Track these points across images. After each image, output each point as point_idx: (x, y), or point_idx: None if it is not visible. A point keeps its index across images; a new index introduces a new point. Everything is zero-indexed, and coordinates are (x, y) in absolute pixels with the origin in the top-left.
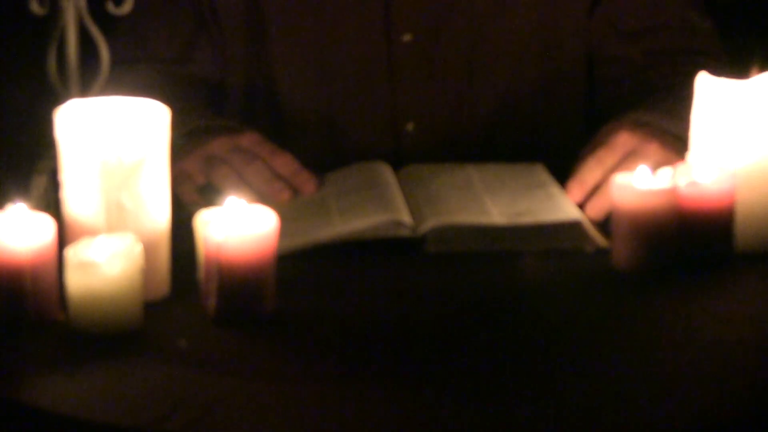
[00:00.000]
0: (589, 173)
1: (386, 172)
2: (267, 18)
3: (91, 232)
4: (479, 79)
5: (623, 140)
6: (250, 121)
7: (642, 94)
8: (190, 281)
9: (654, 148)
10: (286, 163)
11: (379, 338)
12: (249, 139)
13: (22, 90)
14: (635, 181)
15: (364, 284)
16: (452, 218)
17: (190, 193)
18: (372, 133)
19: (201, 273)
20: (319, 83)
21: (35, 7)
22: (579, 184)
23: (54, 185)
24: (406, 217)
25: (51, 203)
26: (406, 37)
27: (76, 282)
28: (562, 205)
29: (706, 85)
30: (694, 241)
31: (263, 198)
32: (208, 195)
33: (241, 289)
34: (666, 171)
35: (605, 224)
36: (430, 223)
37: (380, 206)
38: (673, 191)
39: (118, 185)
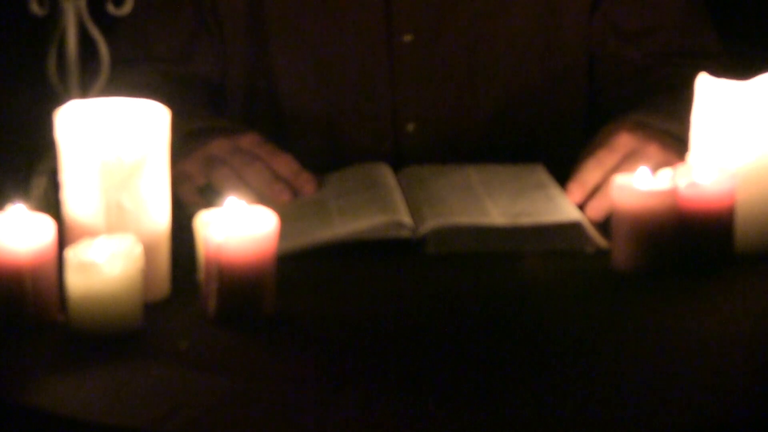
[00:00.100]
0: (589, 174)
1: (386, 173)
2: (268, 18)
3: (91, 232)
4: (480, 80)
5: (623, 141)
6: (251, 122)
7: (642, 95)
8: (190, 282)
9: (654, 149)
10: (286, 164)
11: (379, 339)
12: (249, 140)
13: (22, 91)
14: (635, 182)
15: (364, 285)
16: (452, 219)
17: (190, 194)
18: (372, 133)
19: (201, 274)
20: (320, 83)
21: (35, 8)
22: (579, 185)
23: (54, 186)
24: (406, 218)
25: (51, 204)
26: (407, 38)
27: (76, 283)
28: (562, 206)
29: (706, 86)
30: (694, 242)
31: (263, 199)
32: (208, 196)
33: (241, 289)
34: (666, 172)
35: (605, 225)
36: (430, 224)
37: (380, 207)
38: (673, 192)
39: (118, 186)
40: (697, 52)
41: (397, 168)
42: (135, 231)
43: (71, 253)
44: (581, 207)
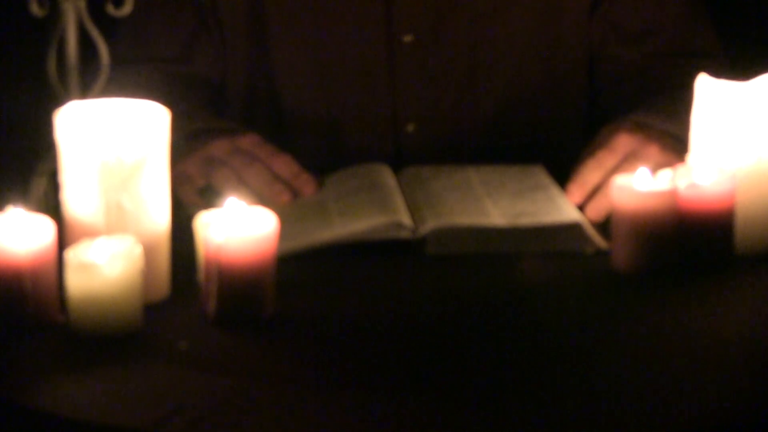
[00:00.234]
0: (589, 175)
1: (386, 174)
2: (268, 18)
3: (91, 233)
4: (480, 80)
5: (623, 142)
6: (250, 122)
7: (642, 96)
8: (190, 283)
9: (654, 150)
10: (286, 165)
11: (379, 340)
12: (249, 141)
13: (22, 92)
14: (635, 183)
15: (364, 286)
16: (452, 220)
17: (190, 195)
18: (372, 133)
19: (201, 275)
20: (320, 84)
21: (35, 9)
22: (579, 186)
23: (54, 187)
24: (406, 219)
25: (51, 205)
26: (407, 38)
27: (76, 283)
28: (562, 207)
29: (706, 86)
30: (693, 243)
31: (263, 200)
32: (208, 197)
33: (241, 290)
34: (666, 173)
35: (605, 226)
36: (430, 225)
37: (380, 208)
38: (673, 193)
39: (118, 187)
40: (697, 53)
41: (397, 168)
42: (135, 231)
43: (71, 254)
44: (581, 208)
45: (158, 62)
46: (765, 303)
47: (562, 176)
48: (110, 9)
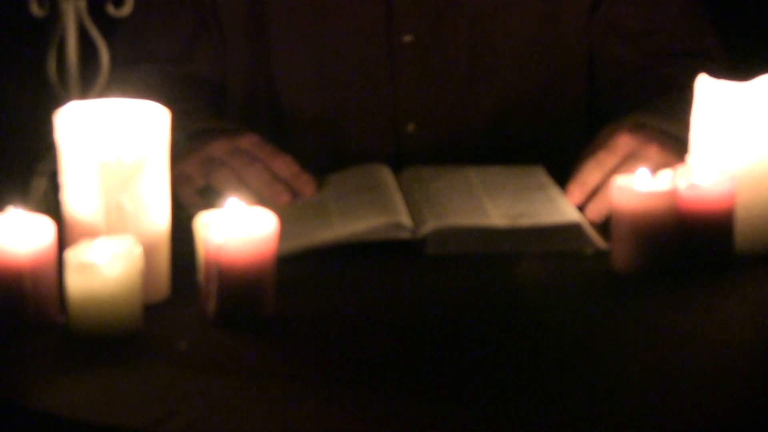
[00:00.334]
0: (588, 175)
1: (386, 175)
2: (268, 18)
3: (91, 233)
4: (480, 80)
5: (623, 142)
6: (250, 122)
7: (642, 96)
8: (190, 283)
9: (654, 151)
10: (285, 165)
11: (379, 340)
12: (248, 141)
13: (22, 92)
14: (635, 183)
15: (364, 286)
16: (452, 220)
17: (190, 195)
18: (373, 134)
19: (201, 275)
20: (320, 84)
21: (35, 9)
22: (579, 186)
23: (54, 187)
24: (405, 219)
25: (51, 205)
26: (407, 38)
27: (76, 284)
28: (562, 207)
29: (706, 87)
30: (693, 243)
31: (263, 200)
32: (208, 197)
33: (241, 291)
34: (666, 173)
35: (605, 226)
36: (430, 225)
37: (380, 208)
38: (672, 193)
39: (118, 187)
40: (697, 53)
41: (397, 168)
42: (135, 232)
43: (71, 254)
44: (581, 208)
45: (158, 62)
46: (765, 303)
47: (562, 176)
48: (110, 9)
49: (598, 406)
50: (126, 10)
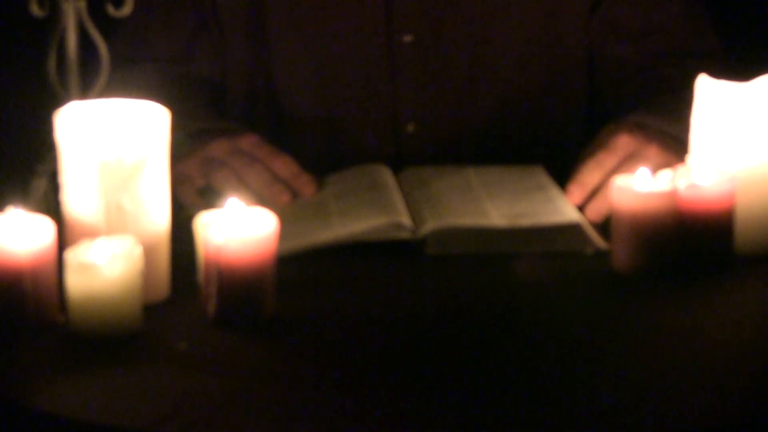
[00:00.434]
0: (588, 175)
1: (386, 175)
2: (268, 18)
3: (91, 234)
4: (480, 80)
5: (623, 142)
6: (251, 122)
7: (642, 96)
8: (190, 283)
9: (654, 151)
10: (285, 166)
11: (379, 340)
12: (248, 142)
13: (22, 92)
14: (635, 184)
15: (364, 286)
16: (452, 220)
17: (189, 196)
18: (373, 134)
19: (201, 275)
20: (320, 84)
21: (35, 9)
22: (579, 187)
23: (54, 187)
24: (405, 220)
25: (51, 205)
26: (407, 38)
27: (76, 284)
28: (562, 208)
29: (706, 87)
30: (693, 244)
31: (263, 200)
32: (208, 197)
33: (241, 291)
34: (666, 173)
35: (605, 226)
36: (430, 225)
37: (380, 208)
38: (672, 194)
39: (118, 187)
40: (697, 53)
41: (397, 168)
42: (135, 232)
43: (71, 255)
44: (581, 208)
45: (158, 62)
46: (765, 303)
47: (562, 176)
48: (110, 9)
49: (598, 406)
50: (126, 10)
